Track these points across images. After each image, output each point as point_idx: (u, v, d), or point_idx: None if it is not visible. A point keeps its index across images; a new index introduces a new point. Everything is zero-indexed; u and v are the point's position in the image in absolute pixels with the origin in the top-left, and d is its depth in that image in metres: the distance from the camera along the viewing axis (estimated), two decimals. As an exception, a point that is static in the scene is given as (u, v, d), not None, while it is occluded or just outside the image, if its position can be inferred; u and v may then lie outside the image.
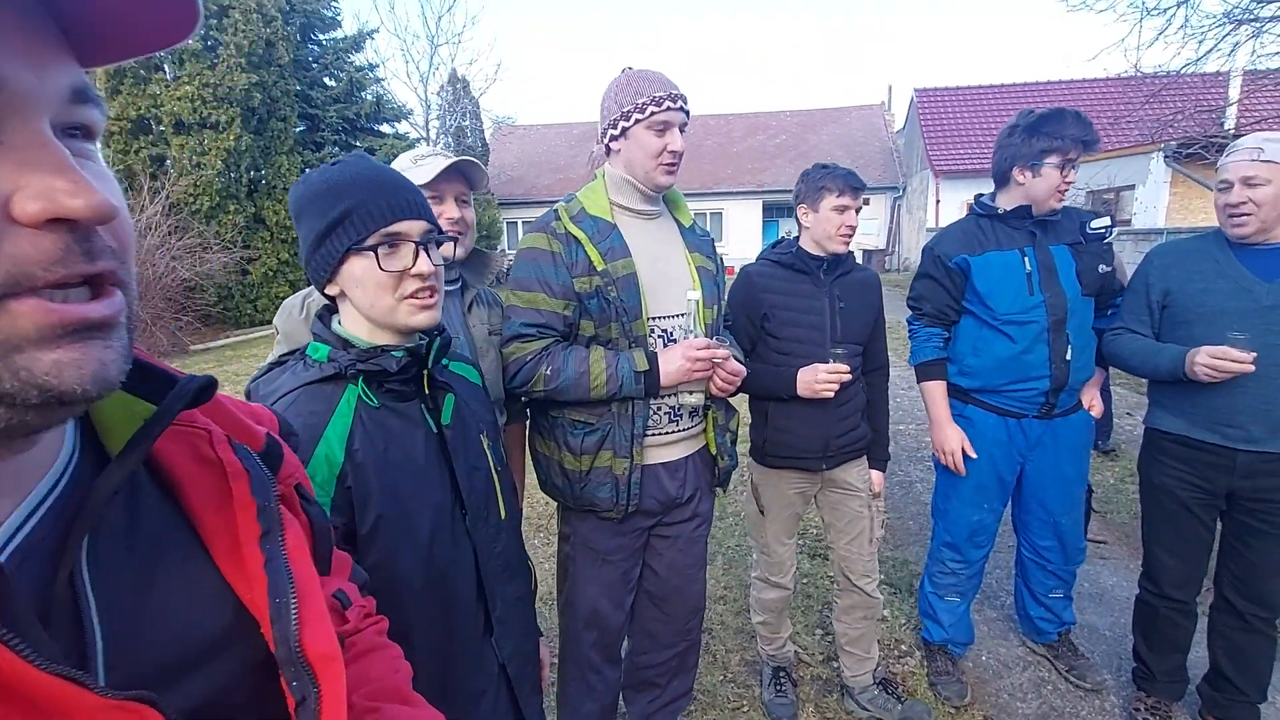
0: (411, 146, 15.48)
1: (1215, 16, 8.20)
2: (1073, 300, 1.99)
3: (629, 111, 1.50)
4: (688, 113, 1.52)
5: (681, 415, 1.63)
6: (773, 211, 25.38)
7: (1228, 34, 8.28)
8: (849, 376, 1.83)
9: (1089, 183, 13.36)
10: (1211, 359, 1.69)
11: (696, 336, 1.50)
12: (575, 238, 1.50)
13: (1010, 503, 2.26)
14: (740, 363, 1.70)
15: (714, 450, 1.71)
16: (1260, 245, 1.79)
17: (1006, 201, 2.07)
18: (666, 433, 1.62)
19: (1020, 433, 2.09)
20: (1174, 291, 1.88)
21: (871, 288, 2.04)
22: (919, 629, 2.53)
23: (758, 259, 2.05)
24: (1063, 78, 19.20)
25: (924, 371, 2.18)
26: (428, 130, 22.28)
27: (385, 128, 16.17)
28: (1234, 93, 10.31)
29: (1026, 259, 2.01)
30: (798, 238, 2.00)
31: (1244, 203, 1.72)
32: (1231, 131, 9.63)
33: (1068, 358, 1.99)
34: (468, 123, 23.00)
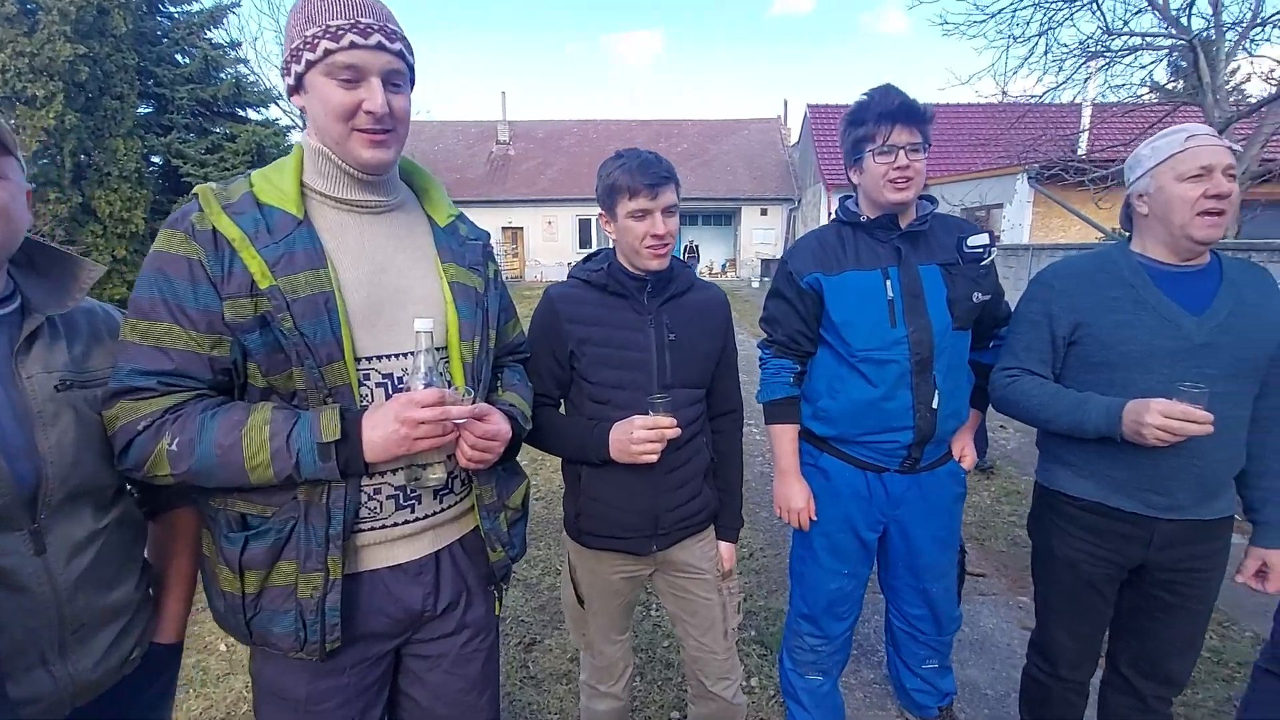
0: (283, 134, 14.21)
1: (1071, 48, 8.74)
2: (941, 335, 1.63)
3: (298, 50, 0.98)
4: (402, 54, 1.02)
5: (420, 497, 1.12)
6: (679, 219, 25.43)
7: (1082, 65, 8.84)
8: (677, 431, 1.39)
9: (963, 200, 14.12)
10: (1167, 419, 1.32)
11: (430, 385, 0.99)
12: (226, 238, 0.96)
13: (876, 564, 1.91)
14: (519, 419, 1.22)
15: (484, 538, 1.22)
16: (1179, 268, 1.50)
17: (868, 208, 1.72)
18: (395, 524, 1.11)
19: (882, 488, 1.75)
20: (1087, 325, 1.54)
21: (713, 311, 1.59)
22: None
23: (569, 275, 1.58)
24: (941, 100, 20.35)
25: (772, 412, 1.80)
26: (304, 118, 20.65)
27: (252, 113, 14.56)
28: (1085, 121, 11.13)
29: (889, 282, 1.64)
30: (614, 248, 1.56)
31: (1229, 195, 1.39)
32: (1083, 157, 10.39)
33: (934, 405, 1.63)
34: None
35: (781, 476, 1.80)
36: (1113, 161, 9.52)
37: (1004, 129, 10.49)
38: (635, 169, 1.39)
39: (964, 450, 1.81)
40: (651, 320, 1.48)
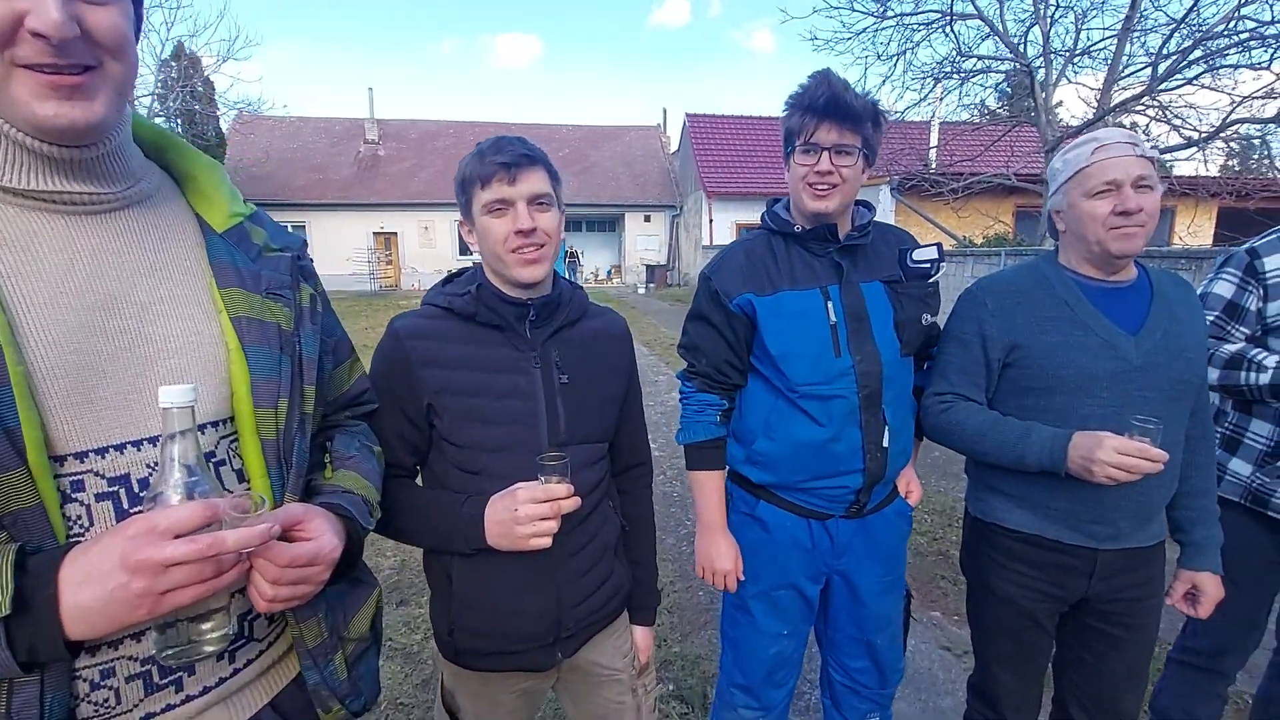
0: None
1: (929, 67, 9.37)
2: (890, 363, 1.41)
3: None
4: None
5: (191, 667, 0.72)
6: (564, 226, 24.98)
7: (935, 85, 9.51)
8: (576, 502, 1.04)
9: (835, 208, 14.90)
10: (1121, 457, 1.20)
11: (192, 496, 0.60)
12: None
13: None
14: (357, 515, 0.84)
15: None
16: (1109, 284, 1.41)
17: (799, 216, 1.48)
18: (150, 715, 0.69)
19: (826, 536, 1.52)
20: (1023, 347, 1.41)
21: (613, 343, 1.28)
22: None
23: (423, 302, 1.20)
24: (809, 114, 21.41)
25: (694, 456, 1.51)
26: (149, 112, 18.27)
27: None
28: (934, 138, 12.08)
29: (830, 304, 1.40)
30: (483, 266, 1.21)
31: (1139, 210, 1.30)
32: (934, 171, 11.28)
33: (885, 444, 1.42)
34: (199, 106, 19.30)
35: (705, 531, 1.52)
36: (962, 175, 10.36)
37: (870, 142, 11.10)
38: (487, 150, 1.07)
39: (910, 485, 1.63)
40: (537, 358, 1.14)
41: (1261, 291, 1.59)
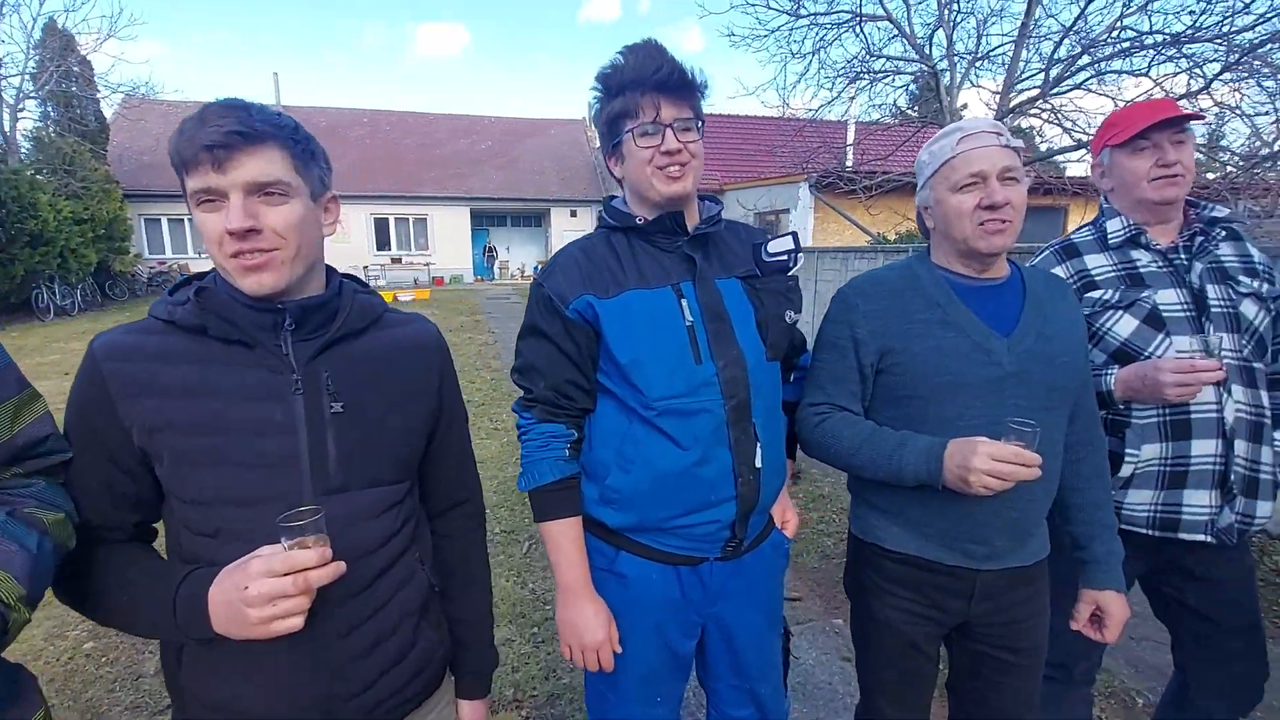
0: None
1: (840, 66, 9.53)
2: (756, 369, 1.25)
3: None
4: None
5: None
6: (482, 220, 24.31)
7: (848, 84, 9.70)
8: (334, 570, 0.81)
9: (755, 204, 15.11)
10: (996, 464, 1.09)
11: None
12: None
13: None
14: None
15: None
16: (980, 281, 1.32)
17: (640, 208, 1.31)
18: None
19: (699, 585, 1.32)
20: (895, 352, 1.30)
21: (415, 358, 1.04)
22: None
23: (150, 314, 0.92)
24: (731, 112, 21.67)
25: (543, 503, 1.26)
26: (20, 94, 16.43)
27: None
28: (850, 136, 12.38)
29: (685, 302, 1.23)
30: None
31: (1005, 204, 1.20)
32: (849, 169, 11.54)
33: (758, 464, 1.25)
34: (76, 88, 17.62)
35: (568, 597, 1.27)
36: (876, 173, 10.63)
37: (788, 139, 11.29)
38: (190, 125, 0.82)
39: (786, 514, 1.48)
40: (298, 382, 0.90)
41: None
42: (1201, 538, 1.44)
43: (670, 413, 1.20)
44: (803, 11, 8.82)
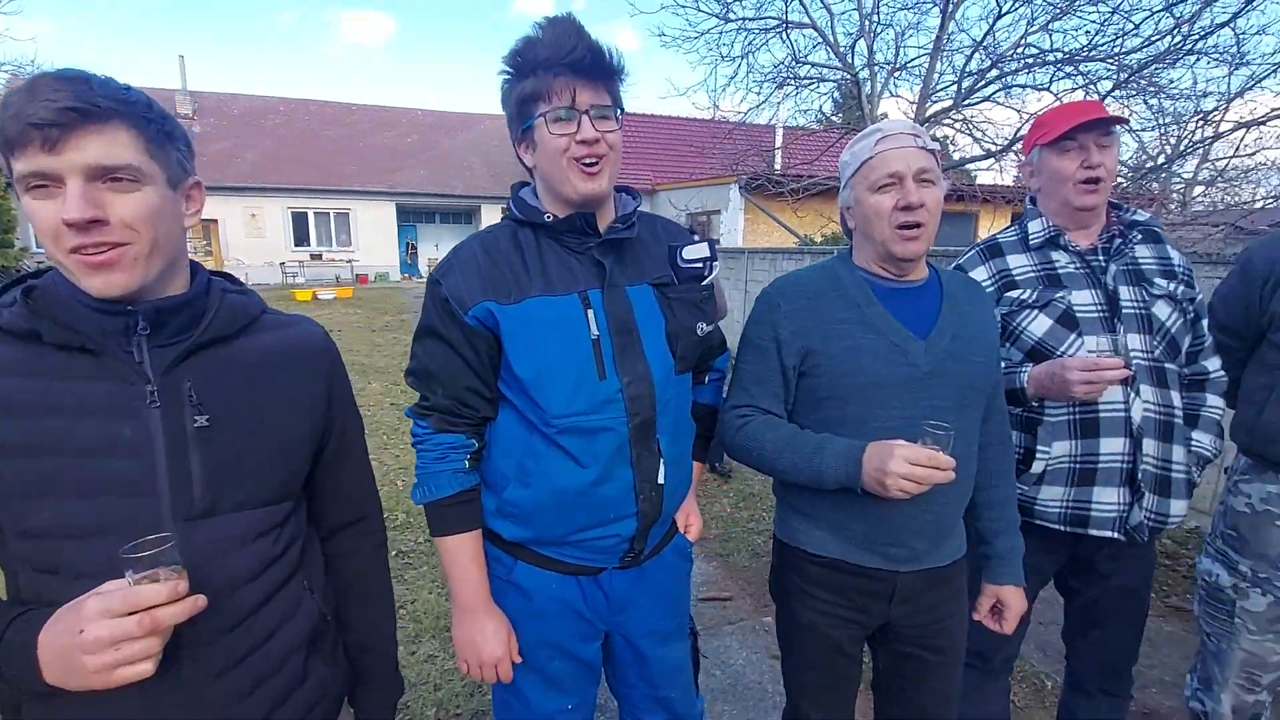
0: None
1: (768, 71, 9.74)
2: (663, 384, 1.19)
3: None
4: None
5: None
6: (408, 215, 23.51)
7: (776, 89, 9.92)
8: (189, 605, 0.70)
9: (688, 205, 15.25)
10: (913, 467, 1.09)
11: None
12: None
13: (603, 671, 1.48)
14: None
15: None
16: (899, 284, 1.32)
17: (551, 203, 1.23)
18: None
19: (599, 592, 1.28)
20: (815, 353, 1.28)
21: (299, 360, 0.94)
22: None
23: None
24: (664, 112, 21.79)
25: (440, 517, 1.19)
26: None
27: None
28: (779, 140, 12.69)
29: (591, 312, 1.15)
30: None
31: (921, 205, 1.20)
32: (777, 172, 11.84)
33: (660, 480, 1.21)
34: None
35: (465, 614, 1.20)
36: (802, 176, 10.92)
37: (719, 141, 11.45)
38: (23, 96, 0.69)
39: (689, 518, 1.44)
40: (154, 393, 0.79)
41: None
42: (1110, 534, 1.47)
43: (571, 430, 1.13)
44: (732, 15, 8.94)
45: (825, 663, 1.39)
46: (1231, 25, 4.95)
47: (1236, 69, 5.46)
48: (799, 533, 1.37)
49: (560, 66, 1.04)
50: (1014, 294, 1.54)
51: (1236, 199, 7.56)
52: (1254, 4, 4.59)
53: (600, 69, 1.07)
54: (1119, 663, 1.64)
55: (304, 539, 0.95)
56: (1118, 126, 1.49)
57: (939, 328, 1.28)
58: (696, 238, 1.29)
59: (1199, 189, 7.58)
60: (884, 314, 1.27)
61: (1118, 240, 1.52)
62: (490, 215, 22.94)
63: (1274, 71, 4.66)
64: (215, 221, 20.23)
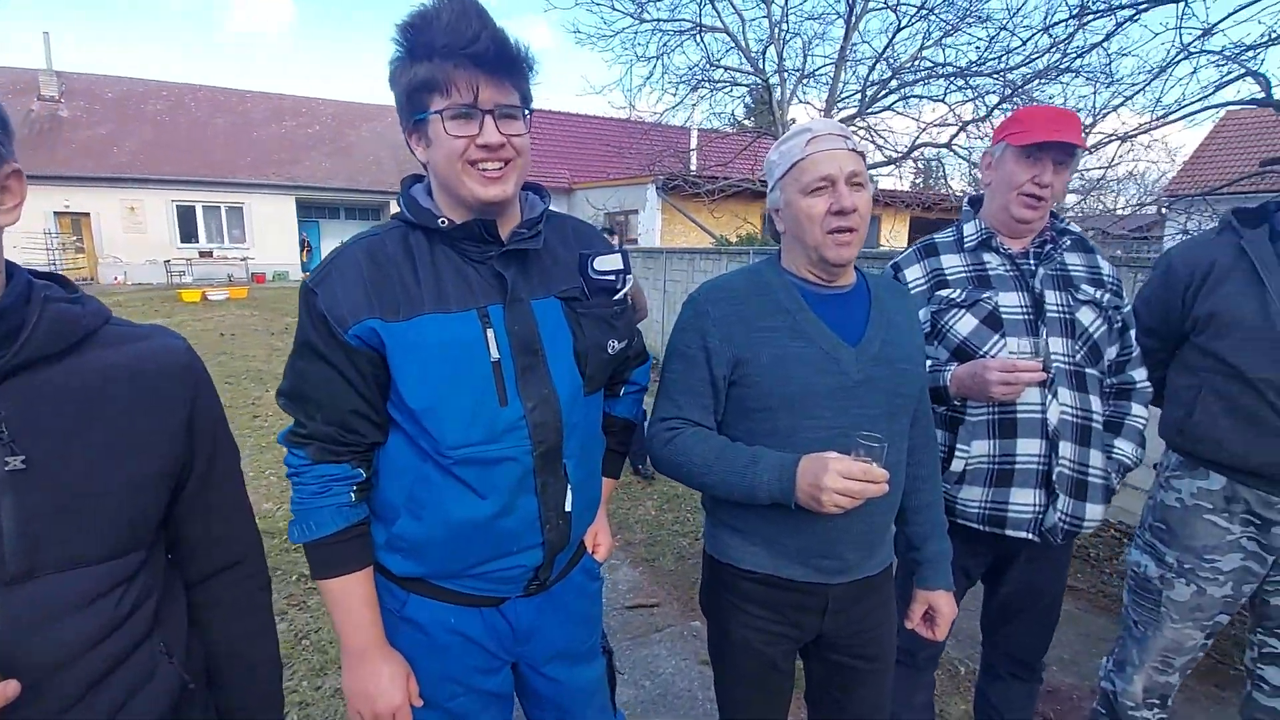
0: None
1: (683, 72, 9.83)
2: (570, 407, 1.09)
3: None
4: None
5: None
6: (311, 210, 22.16)
7: (690, 91, 10.02)
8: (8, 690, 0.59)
9: (605, 204, 15.20)
10: (847, 482, 1.05)
11: None
12: None
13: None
14: None
15: None
16: (829, 289, 1.29)
17: (448, 206, 1.09)
18: None
19: (503, 622, 1.17)
20: (745, 362, 1.24)
21: (153, 380, 0.79)
22: None
23: None
24: (582, 110, 21.65)
25: (321, 559, 1.04)
26: None
27: None
28: (694, 141, 12.85)
29: (491, 332, 1.02)
30: None
31: (854, 210, 1.17)
32: (693, 173, 12.00)
33: (567, 507, 1.12)
34: None
35: (356, 660, 1.06)
36: (718, 178, 11.11)
37: (636, 141, 11.46)
38: None
39: (598, 537, 1.37)
40: None
41: None
42: (1025, 535, 1.51)
43: (468, 461, 1.01)
44: (647, 16, 8.95)
45: (759, 678, 1.36)
46: (1104, 45, 5.40)
47: (1108, 86, 5.98)
48: (730, 548, 1.32)
49: (460, 56, 0.91)
50: (944, 293, 1.55)
51: (1103, 207, 8.32)
52: (1121, 27, 5.03)
53: (506, 62, 0.94)
54: (1030, 656, 1.71)
55: (159, 595, 0.80)
56: (1079, 149, 1.50)
57: (868, 335, 1.26)
58: (613, 240, 1.20)
59: (1072, 198, 8.25)
60: (815, 321, 1.24)
61: (1048, 245, 1.56)
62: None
63: (1142, 90, 5.14)
64: (87, 215, 18.30)
